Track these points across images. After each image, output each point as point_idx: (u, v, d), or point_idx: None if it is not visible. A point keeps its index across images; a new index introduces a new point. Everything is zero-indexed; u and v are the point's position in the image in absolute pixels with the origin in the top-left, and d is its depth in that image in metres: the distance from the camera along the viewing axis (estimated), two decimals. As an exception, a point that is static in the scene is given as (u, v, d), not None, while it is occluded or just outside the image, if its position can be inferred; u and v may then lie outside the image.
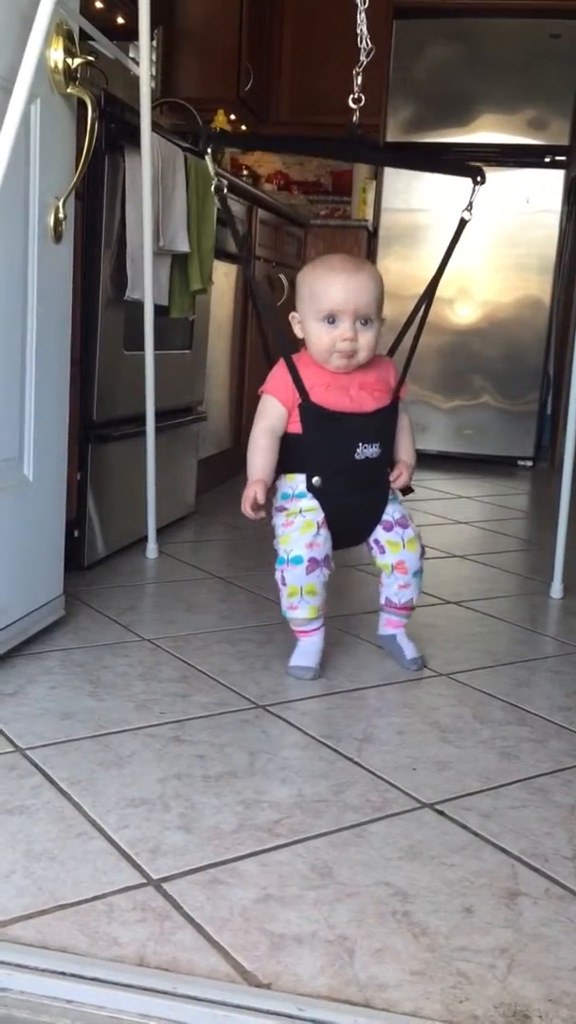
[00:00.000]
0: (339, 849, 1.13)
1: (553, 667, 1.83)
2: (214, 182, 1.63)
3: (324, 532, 1.63)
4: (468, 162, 1.80)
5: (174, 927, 0.97)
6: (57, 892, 1.01)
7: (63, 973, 0.89)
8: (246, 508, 1.61)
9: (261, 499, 1.61)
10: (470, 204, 1.71)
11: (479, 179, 1.72)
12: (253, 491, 1.61)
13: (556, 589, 2.29)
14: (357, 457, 1.63)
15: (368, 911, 1.01)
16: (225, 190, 1.65)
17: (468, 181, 1.74)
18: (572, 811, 1.26)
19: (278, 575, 1.65)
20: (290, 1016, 0.85)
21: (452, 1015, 0.86)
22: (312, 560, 1.62)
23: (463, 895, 1.05)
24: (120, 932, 0.95)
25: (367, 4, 1.65)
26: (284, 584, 1.64)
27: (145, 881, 1.04)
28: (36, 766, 1.29)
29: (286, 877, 1.07)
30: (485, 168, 1.75)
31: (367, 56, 1.64)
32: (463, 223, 1.72)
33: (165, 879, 1.05)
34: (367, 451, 1.63)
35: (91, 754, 1.34)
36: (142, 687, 1.59)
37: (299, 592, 1.63)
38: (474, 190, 1.72)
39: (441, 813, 1.23)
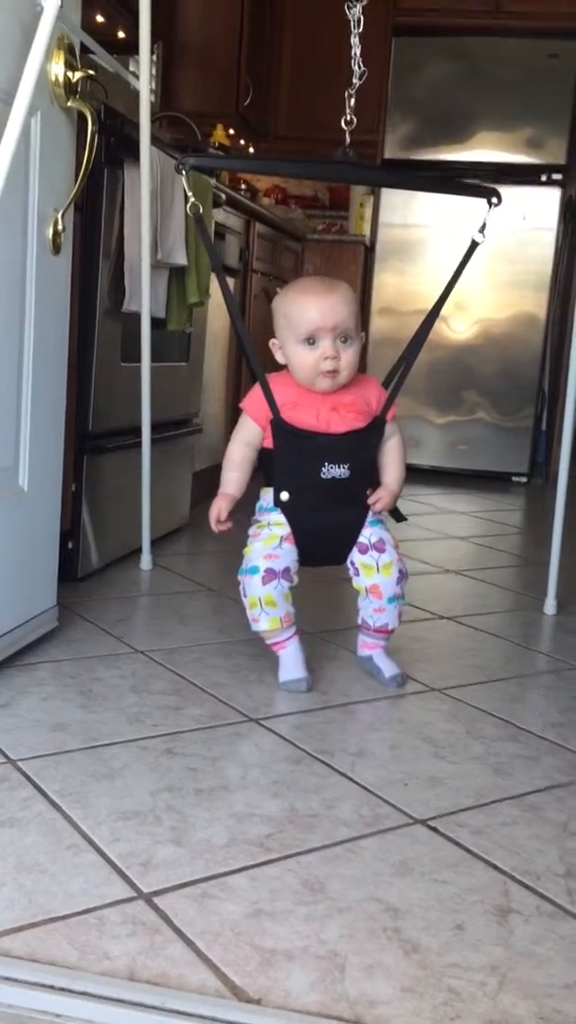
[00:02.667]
0: (331, 864, 1.13)
1: (546, 683, 1.83)
2: (189, 203, 1.63)
3: (287, 546, 1.64)
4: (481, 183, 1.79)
5: (164, 941, 0.96)
6: (47, 905, 1.01)
7: (52, 987, 0.88)
8: (211, 520, 1.66)
9: (223, 515, 1.65)
10: (483, 226, 1.70)
11: (495, 200, 1.71)
12: (218, 505, 1.65)
13: (549, 605, 2.30)
14: (323, 476, 1.62)
15: (359, 927, 1.01)
16: (201, 210, 1.64)
17: (467, 199, 1.74)
18: (564, 828, 1.26)
19: (240, 587, 1.67)
20: (280, 1032, 0.84)
21: (443, 1032, 0.86)
22: (269, 571, 1.63)
23: (455, 912, 1.05)
24: (110, 946, 0.95)
25: (361, 28, 1.66)
26: (245, 595, 1.66)
27: (136, 895, 1.04)
28: (27, 778, 1.29)
29: (277, 892, 1.06)
30: (492, 186, 1.74)
31: (360, 79, 1.65)
32: (474, 245, 1.71)
33: (156, 893, 1.05)
34: (334, 471, 1.62)
35: (83, 766, 1.33)
36: (135, 699, 1.58)
37: (258, 603, 1.64)
38: (489, 211, 1.70)
39: (433, 829, 1.23)
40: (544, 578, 2.33)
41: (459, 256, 1.72)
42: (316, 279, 1.64)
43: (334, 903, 1.05)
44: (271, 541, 1.64)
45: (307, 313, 1.58)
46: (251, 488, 1.71)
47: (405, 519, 1.77)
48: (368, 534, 1.68)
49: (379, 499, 1.68)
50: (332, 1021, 0.86)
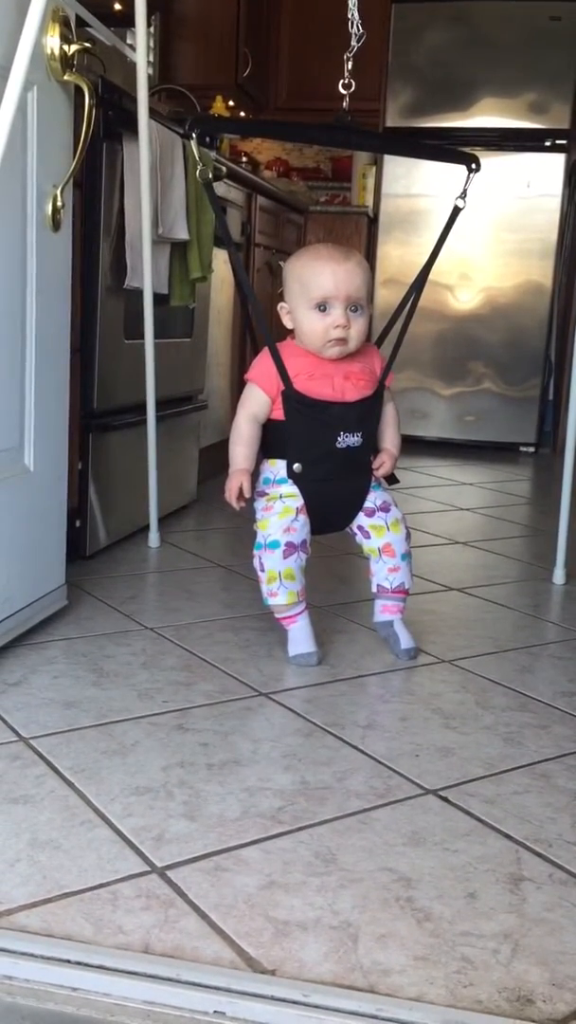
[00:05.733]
0: (342, 836, 1.13)
1: (556, 653, 1.83)
2: (199, 168, 1.61)
3: (302, 518, 1.64)
4: (462, 149, 1.79)
5: (178, 914, 0.97)
6: (62, 880, 1.02)
7: (68, 961, 0.89)
8: (231, 498, 1.64)
9: (247, 490, 1.63)
10: (464, 192, 1.71)
11: (474, 166, 1.72)
12: (238, 481, 1.63)
13: (558, 575, 2.29)
14: (339, 446, 1.63)
15: (372, 897, 1.02)
16: (211, 176, 1.63)
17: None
18: (575, 796, 1.26)
19: (256, 561, 1.66)
20: (294, 1002, 0.85)
21: (456, 1000, 0.87)
22: (289, 544, 1.63)
23: (467, 880, 1.06)
24: (125, 920, 0.96)
25: None
26: (263, 570, 1.65)
27: (149, 869, 1.05)
28: (40, 755, 1.29)
29: (290, 864, 1.07)
30: (485, 152, 1.75)
31: (358, 41, 1.63)
32: (456, 211, 1.72)
33: (169, 867, 1.05)
34: (349, 440, 1.63)
35: (95, 743, 1.34)
36: (145, 676, 1.59)
37: (278, 577, 1.64)
38: (468, 178, 1.72)
39: (444, 799, 1.24)
40: (553, 548, 2.32)
41: (462, 225, 1.73)
42: (332, 245, 1.63)
43: (347, 874, 1.05)
44: (287, 514, 1.64)
45: (321, 279, 1.57)
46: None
47: (398, 481, 1.78)
48: (372, 498, 1.70)
49: (383, 464, 1.70)
50: (346, 990, 0.87)
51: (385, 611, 1.76)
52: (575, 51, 4.22)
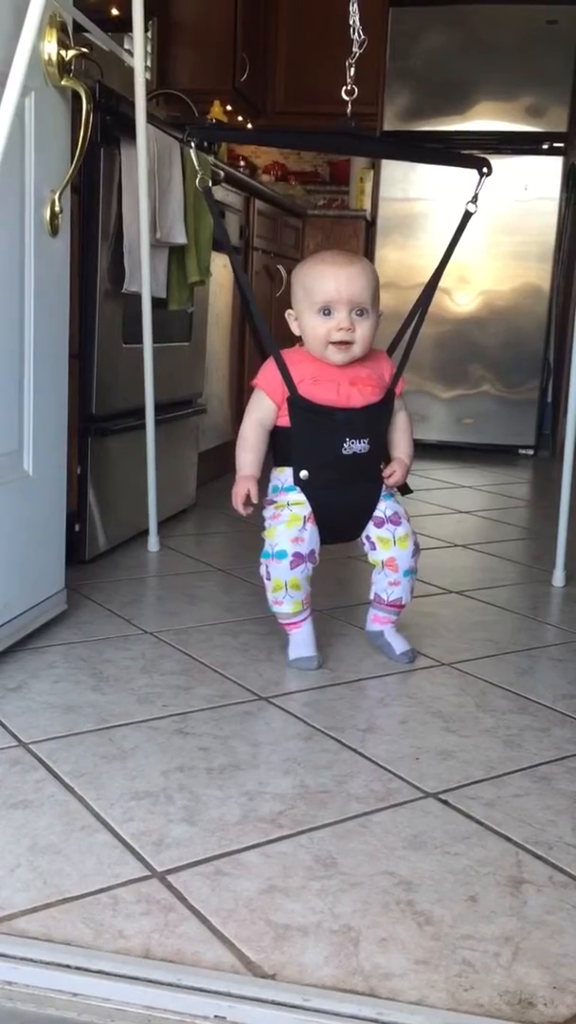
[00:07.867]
0: (343, 839, 1.13)
1: (555, 655, 1.83)
2: (199, 176, 1.61)
3: (310, 527, 1.63)
4: (472, 153, 1.78)
5: (179, 919, 0.97)
6: (62, 885, 1.02)
7: (68, 966, 0.89)
8: (237, 504, 1.63)
9: (254, 496, 1.62)
10: (475, 196, 1.69)
11: (485, 170, 1.70)
12: (244, 487, 1.62)
13: (558, 577, 2.29)
14: (344, 452, 1.61)
15: (372, 901, 1.01)
16: (210, 183, 1.63)
17: (468, 170, 1.73)
18: (575, 799, 1.26)
19: (262, 569, 1.66)
20: (295, 1006, 0.85)
21: (457, 1003, 0.87)
22: (296, 555, 1.62)
23: (467, 884, 1.05)
24: (125, 924, 0.96)
25: None
26: (269, 578, 1.65)
27: (150, 873, 1.05)
28: (40, 760, 1.29)
29: (290, 868, 1.07)
30: (483, 155, 1.73)
31: (360, 48, 1.63)
32: (468, 216, 1.70)
33: (169, 871, 1.05)
34: (355, 446, 1.62)
35: (94, 748, 1.34)
36: (145, 680, 1.59)
37: (283, 587, 1.63)
38: (480, 182, 1.70)
39: (445, 802, 1.24)
40: (552, 550, 2.32)
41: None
42: (338, 252, 1.64)
43: (347, 878, 1.05)
44: (295, 523, 1.62)
45: (324, 283, 1.57)
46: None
47: (411, 491, 1.77)
48: (383, 508, 1.68)
49: (393, 472, 1.68)
50: (347, 994, 0.87)
51: (376, 621, 1.76)
52: (572, 54, 4.23)
